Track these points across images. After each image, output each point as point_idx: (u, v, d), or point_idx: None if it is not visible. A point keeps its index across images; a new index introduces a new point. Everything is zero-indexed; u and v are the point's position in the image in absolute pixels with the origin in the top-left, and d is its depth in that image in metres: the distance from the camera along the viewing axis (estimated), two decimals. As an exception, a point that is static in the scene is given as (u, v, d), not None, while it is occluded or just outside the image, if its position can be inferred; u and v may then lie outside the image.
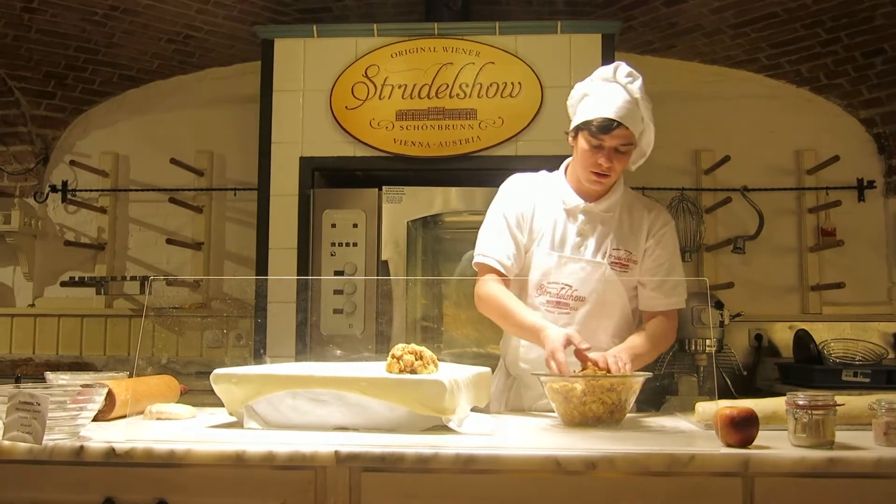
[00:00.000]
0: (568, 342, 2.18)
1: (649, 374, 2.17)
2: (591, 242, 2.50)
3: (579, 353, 2.19)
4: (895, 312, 4.74)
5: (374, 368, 2.06)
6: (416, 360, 2.00)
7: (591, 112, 2.40)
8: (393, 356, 2.03)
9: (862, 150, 4.85)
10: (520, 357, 2.56)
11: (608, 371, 2.13)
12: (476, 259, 2.55)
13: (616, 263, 2.49)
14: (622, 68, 2.44)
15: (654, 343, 2.45)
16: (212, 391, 2.01)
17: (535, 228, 2.52)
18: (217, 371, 2.00)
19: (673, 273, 2.53)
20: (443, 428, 1.90)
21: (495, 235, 2.53)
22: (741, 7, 4.26)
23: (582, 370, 2.18)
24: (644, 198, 2.67)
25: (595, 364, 2.16)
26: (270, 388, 1.96)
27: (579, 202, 2.51)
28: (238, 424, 2.00)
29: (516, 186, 2.61)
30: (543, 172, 2.64)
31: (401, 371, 1.98)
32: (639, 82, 2.43)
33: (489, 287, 2.48)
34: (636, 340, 2.42)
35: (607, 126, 2.35)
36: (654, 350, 2.47)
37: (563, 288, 2.48)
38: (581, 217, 2.51)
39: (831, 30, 4.33)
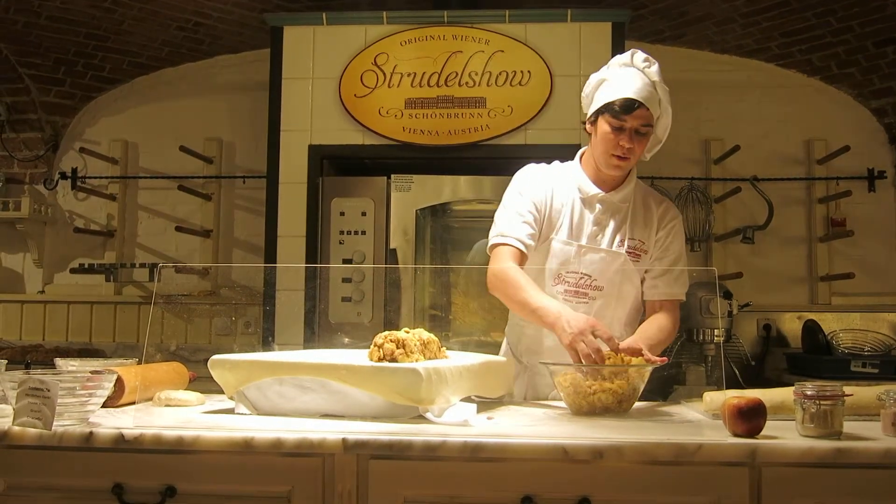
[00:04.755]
0: (592, 329, 2.16)
1: (657, 363, 2.17)
2: (608, 232, 2.51)
3: (610, 342, 2.17)
4: (905, 303, 4.72)
5: (359, 356, 2.05)
6: (397, 348, 1.97)
7: (613, 94, 2.40)
8: (375, 344, 2.01)
9: (873, 139, 4.82)
10: (535, 346, 2.57)
11: (640, 357, 2.15)
12: (494, 240, 2.48)
13: (631, 253, 2.50)
14: (639, 54, 2.46)
15: (664, 334, 2.46)
16: (220, 378, 2.03)
17: (553, 217, 2.51)
18: (214, 357, 2.03)
19: (678, 265, 2.55)
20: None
21: (515, 217, 2.48)
22: (752, -5, 4.24)
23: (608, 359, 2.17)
24: (654, 190, 2.69)
25: (628, 353, 2.15)
26: (258, 374, 1.98)
27: (597, 191, 2.51)
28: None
29: (534, 174, 2.59)
30: (556, 163, 2.63)
31: (380, 359, 1.97)
32: (655, 67, 2.45)
33: (506, 265, 2.41)
34: (649, 331, 2.43)
35: (629, 105, 2.37)
36: (666, 341, 2.48)
37: (581, 277, 2.49)
38: (598, 206, 2.51)
39: (843, 19, 4.30)
